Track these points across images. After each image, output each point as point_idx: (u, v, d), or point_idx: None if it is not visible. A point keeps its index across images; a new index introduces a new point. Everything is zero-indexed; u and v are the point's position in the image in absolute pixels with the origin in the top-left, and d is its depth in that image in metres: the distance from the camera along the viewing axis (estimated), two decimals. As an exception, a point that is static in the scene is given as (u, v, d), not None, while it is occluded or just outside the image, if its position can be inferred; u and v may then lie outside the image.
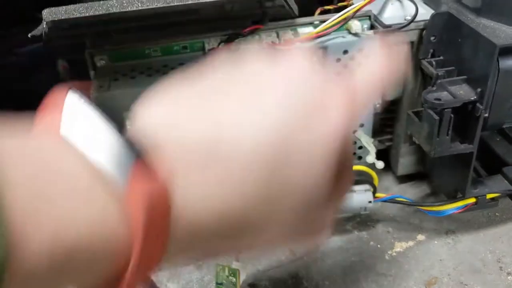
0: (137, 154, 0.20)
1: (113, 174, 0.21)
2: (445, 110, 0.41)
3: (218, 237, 0.24)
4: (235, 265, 0.45)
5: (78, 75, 0.63)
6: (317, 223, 0.27)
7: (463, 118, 0.42)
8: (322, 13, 0.46)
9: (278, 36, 0.44)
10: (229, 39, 0.42)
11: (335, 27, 0.44)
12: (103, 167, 0.21)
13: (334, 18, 0.44)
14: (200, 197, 0.22)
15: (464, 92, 0.42)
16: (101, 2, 0.35)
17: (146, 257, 0.21)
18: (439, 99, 0.42)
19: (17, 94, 0.63)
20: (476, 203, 0.47)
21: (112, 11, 0.34)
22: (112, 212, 0.21)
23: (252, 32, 0.43)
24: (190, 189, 0.22)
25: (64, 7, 0.35)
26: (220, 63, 0.25)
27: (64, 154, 0.21)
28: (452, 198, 0.48)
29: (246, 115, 0.22)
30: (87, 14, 0.34)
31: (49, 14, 0.35)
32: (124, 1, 0.34)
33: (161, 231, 0.21)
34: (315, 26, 0.45)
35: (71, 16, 0.34)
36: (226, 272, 0.44)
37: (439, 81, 0.43)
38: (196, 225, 0.22)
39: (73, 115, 0.22)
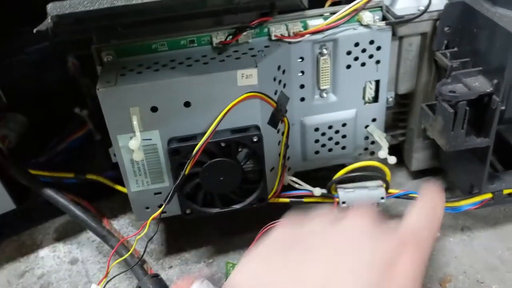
0: None
1: None
2: (460, 102, 0.40)
3: None
4: (245, 262, 0.44)
5: (88, 72, 0.63)
6: None
7: (479, 111, 0.41)
8: (332, 4, 0.46)
9: (287, 28, 0.43)
10: (236, 32, 0.42)
11: (345, 19, 0.43)
12: None
13: (345, 9, 0.43)
14: None
15: (479, 84, 0.41)
16: (106, -5, 0.34)
17: None
18: (454, 92, 0.40)
19: (28, 92, 0.64)
20: (492, 198, 0.46)
21: (117, 5, 0.34)
22: None
23: (260, 25, 0.42)
24: None
25: (68, 1, 0.34)
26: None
27: None
28: (468, 193, 0.47)
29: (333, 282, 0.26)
30: (92, 8, 0.34)
31: (53, 8, 0.34)
32: (129, -6, 0.34)
33: None
34: (325, 18, 0.44)
35: (76, 10, 0.34)
36: (236, 270, 0.44)
37: (453, 73, 0.42)
38: None
39: None
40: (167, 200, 0.40)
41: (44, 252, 0.53)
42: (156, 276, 0.45)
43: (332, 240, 0.29)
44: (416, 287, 0.27)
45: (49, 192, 0.48)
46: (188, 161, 0.40)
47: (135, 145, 0.40)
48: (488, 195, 0.46)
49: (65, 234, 0.55)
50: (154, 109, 0.40)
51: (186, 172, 0.40)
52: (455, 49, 0.44)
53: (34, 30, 0.38)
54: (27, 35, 0.62)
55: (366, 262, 0.27)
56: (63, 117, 0.63)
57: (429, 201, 0.33)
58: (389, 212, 0.52)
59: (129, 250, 0.45)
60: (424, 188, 0.33)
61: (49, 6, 0.34)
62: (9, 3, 0.57)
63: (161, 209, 0.39)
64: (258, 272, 0.27)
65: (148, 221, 0.39)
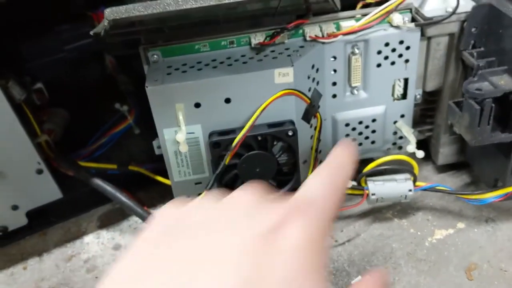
0: None
1: None
2: (486, 100, 0.42)
3: None
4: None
5: (124, 70, 0.67)
6: None
7: (504, 107, 0.43)
8: (363, 6, 0.48)
9: (321, 30, 0.46)
10: (274, 34, 0.44)
11: (377, 21, 0.46)
12: None
13: (376, 11, 0.46)
14: None
15: (505, 82, 0.43)
16: (158, 1, 0.38)
17: None
18: (480, 89, 0.42)
19: (68, 87, 0.67)
20: (516, 191, 0.48)
21: (168, 10, 0.37)
22: None
23: (297, 27, 0.45)
24: None
25: (124, 6, 0.37)
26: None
27: None
28: (493, 187, 0.49)
29: None
30: (146, 13, 0.37)
31: (110, 13, 0.37)
32: (180, 0, 0.37)
33: None
34: (357, 20, 0.46)
35: (131, 15, 0.37)
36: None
37: (480, 71, 0.44)
38: None
39: None
40: (209, 186, 0.43)
41: (88, 239, 0.57)
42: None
43: (208, 218, 0.25)
44: (312, 256, 0.24)
45: (97, 182, 0.52)
46: (228, 152, 0.43)
47: (181, 138, 0.43)
48: (512, 188, 0.48)
49: (107, 222, 0.59)
50: (197, 105, 0.44)
51: (226, 162, 0.43)
52: (482, 48, 0.46)
53: (91, 32, 0.42)
54: (66, 34, 0.66)
55: (243, 238, 0.24)
56: (101, 112, 0.66)
57: (330, 167, 0.28)
58: (416, 204, 0.54)
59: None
60: (333, 149, 0.28)
61: (107, 11, 0.38)
62: (48, 4, 0.60)
63: (202, 195, 0.42)
64: (127, 271, 0.24)
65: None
